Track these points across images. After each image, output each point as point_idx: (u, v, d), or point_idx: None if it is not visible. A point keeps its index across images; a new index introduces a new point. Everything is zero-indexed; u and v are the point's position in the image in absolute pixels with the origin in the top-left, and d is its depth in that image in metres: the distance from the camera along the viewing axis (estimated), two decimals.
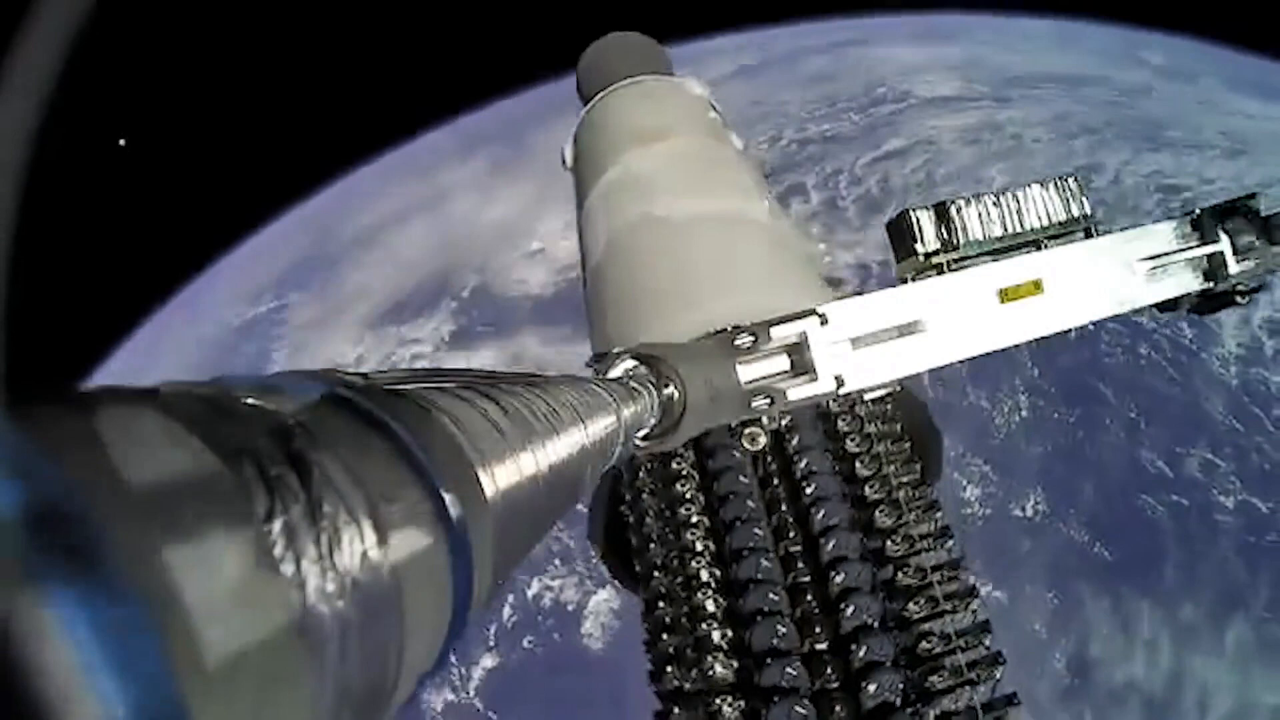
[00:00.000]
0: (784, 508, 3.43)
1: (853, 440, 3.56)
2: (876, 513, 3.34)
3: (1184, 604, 24.32)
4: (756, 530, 3.31)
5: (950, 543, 3.31)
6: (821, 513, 3.31)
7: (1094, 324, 3.87)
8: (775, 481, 3.49)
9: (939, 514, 3.42)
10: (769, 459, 3.56)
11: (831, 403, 3.65)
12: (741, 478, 3.44)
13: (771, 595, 3.12)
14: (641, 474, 3.68)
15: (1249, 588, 24.37)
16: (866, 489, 3.44)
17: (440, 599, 0.76)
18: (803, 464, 3.46)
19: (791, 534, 3.35)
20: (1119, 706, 23.91)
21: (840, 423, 3.62)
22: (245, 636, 0.46)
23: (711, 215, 4.52)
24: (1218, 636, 24.17)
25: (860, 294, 3.82)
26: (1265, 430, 25.71)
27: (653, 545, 3.50)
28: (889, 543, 3.24)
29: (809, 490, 3.38)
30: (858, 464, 3.50)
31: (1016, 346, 3.80)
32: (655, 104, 5.79)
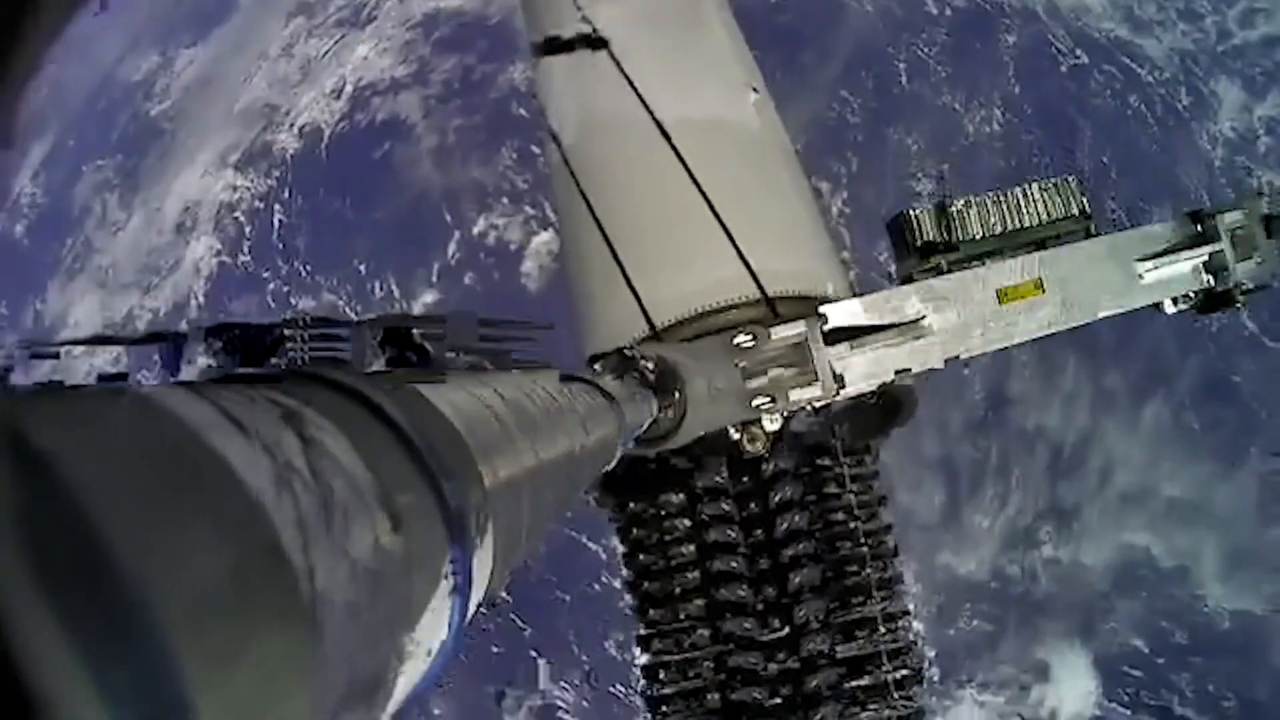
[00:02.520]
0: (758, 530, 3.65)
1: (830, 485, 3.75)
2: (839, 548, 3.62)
3: (1111, 370, 23.79)
4: (734, 562, 3.55)
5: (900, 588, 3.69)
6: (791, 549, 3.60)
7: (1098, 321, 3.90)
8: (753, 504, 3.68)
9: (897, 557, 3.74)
10: (749, 495, 3.68)
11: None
12: (724, 505, 3.64)
13: (740, 591, 3.47)
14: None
15: (1176, 372, 23.94)
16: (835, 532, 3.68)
17: (442, 592, 0.77)
18: (782, 503, 3.64)
19: (763, 556, 3.61)
20: (1026, 450, 23.49)
21: (821, 464, 3.74)
22: (252, 623, 0.47)
23: (696, 126, 4.07)
24: (1135, 411, 23.80)
25: (860, 294, 3.83)
26: None
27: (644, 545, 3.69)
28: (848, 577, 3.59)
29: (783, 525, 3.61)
30: (829, 511, 3.69)
31: (1016, 346, 3.81)
32: None
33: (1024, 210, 3.95)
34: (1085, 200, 3.99)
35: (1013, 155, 23.15)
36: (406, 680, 0.71)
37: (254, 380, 0.66)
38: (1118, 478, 23.60)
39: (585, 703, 21.38)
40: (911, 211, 3.98)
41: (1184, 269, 3.86)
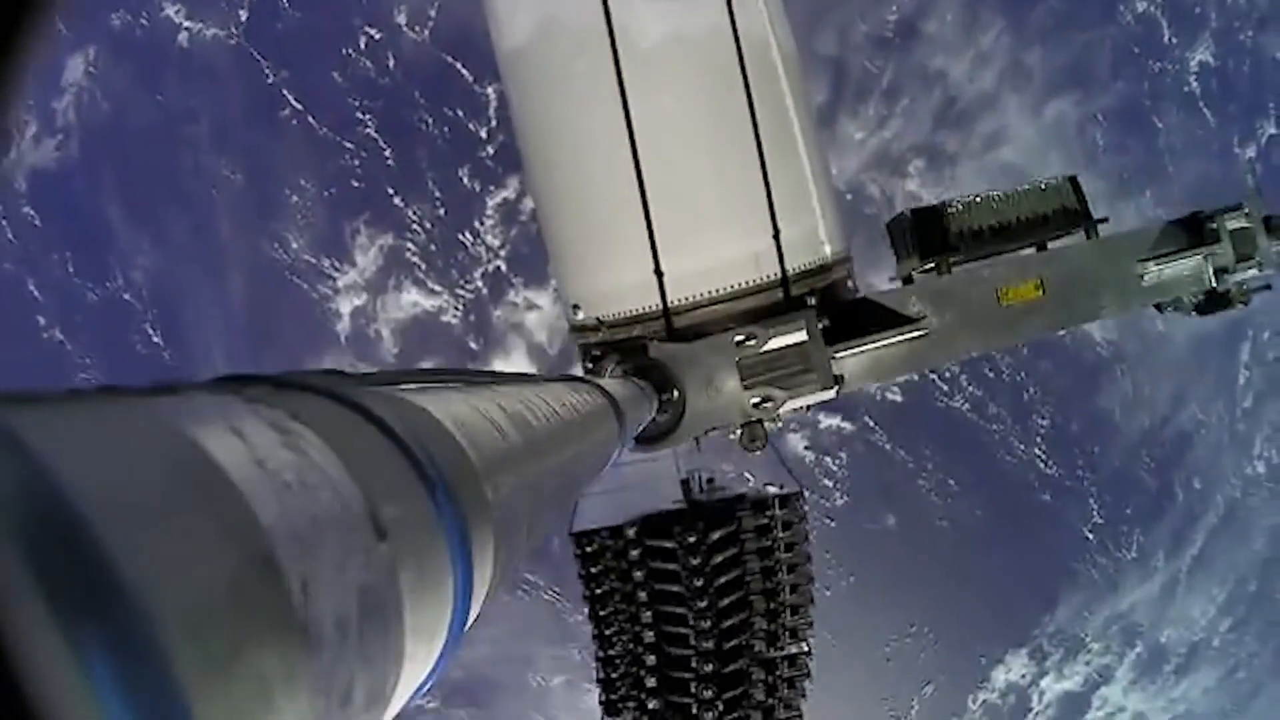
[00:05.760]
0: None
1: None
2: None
3: (1035, 47, 22.70)
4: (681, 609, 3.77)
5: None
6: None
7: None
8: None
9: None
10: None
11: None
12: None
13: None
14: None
15: (1102, 86, 22.89)
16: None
17: (441, 597, 0.76)
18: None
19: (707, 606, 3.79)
20: (922, 87, 22.58)
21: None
22: (246, 637, 0.46)
23: (688, 46, 3.35)
24: (1043, 99, 22.71)
25: (860, 295, 3.82)
26: None
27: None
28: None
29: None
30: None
31: (1017, 347, 3.80)
32: None
33: (1023, 210, 3.95)
34: (1085, 200, 3.99)
35: None
36: (405, 687, 0.71)
37: (245, 386, 0.66)
38: (1004, 150, 22.93)
39: (433, 246, 21.53)
40: (911, 212, 3.97)
41: (1185, 270, 3.86)
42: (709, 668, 3.72)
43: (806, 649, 3.86)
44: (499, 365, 21.98)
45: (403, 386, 0.93)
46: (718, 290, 3.45)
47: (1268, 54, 23.29)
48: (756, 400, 3.42)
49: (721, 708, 3.72)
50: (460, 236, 21.55)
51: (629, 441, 2.74)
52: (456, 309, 21.74)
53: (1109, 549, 23.40)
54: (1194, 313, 4.09)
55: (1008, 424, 22.44)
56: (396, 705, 0.69)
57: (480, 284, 21.79)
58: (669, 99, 3.37)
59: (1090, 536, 23.32)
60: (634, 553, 3.67)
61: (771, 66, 3.52)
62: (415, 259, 21.62)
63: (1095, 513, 23.27)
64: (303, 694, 0.51)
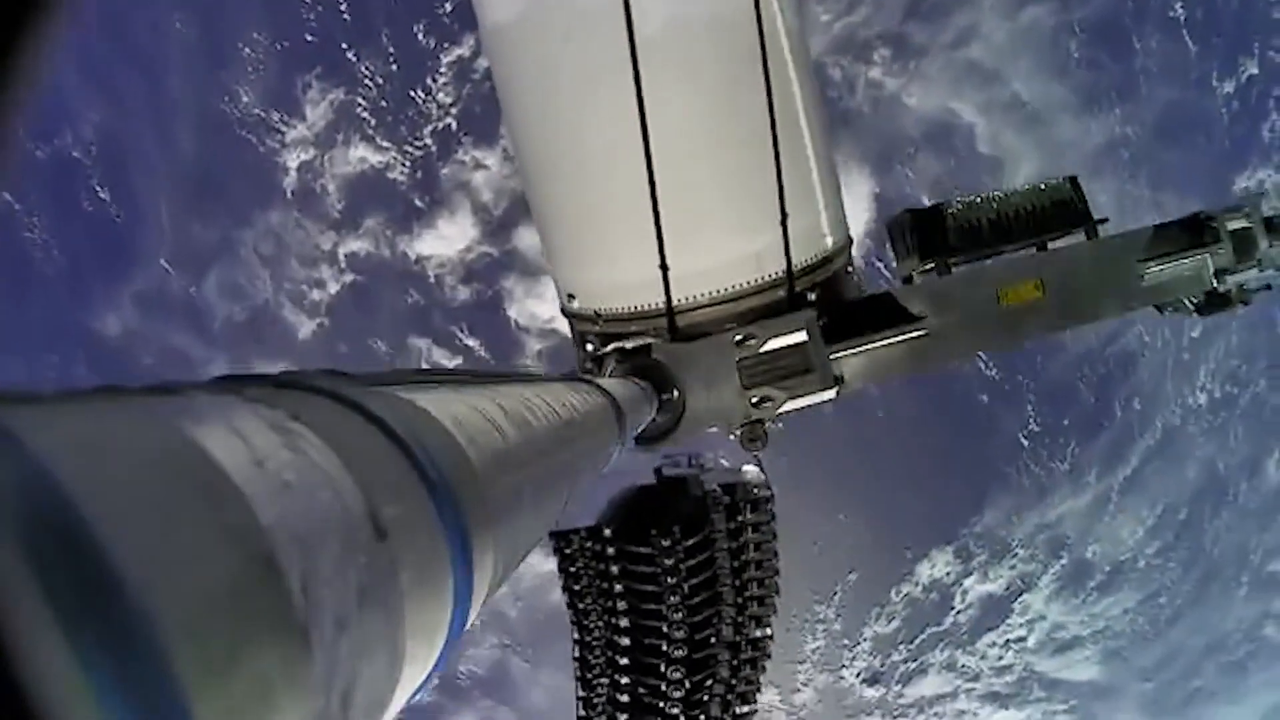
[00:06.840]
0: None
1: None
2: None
3: None
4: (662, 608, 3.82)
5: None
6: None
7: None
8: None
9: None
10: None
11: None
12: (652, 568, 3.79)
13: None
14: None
15: None
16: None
17: (441, 597, 0.76)
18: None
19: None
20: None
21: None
22: (246, 637, 0.46)
23: (691, 28, 3.14)
24: (1020, 2, 22.35)
25: (861, 294, 3.82)
26: None
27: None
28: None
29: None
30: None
31: (1017, 348, 3.81)
32: None
33: (1024, 210, 3.95)
34: (1085, 200, 3.99)
35: None
36: (405, 687, 0.71)
37: (245, 386, 0.66)
38: (974, 48, 22.61)
39: (384, 102, 21.33)
40: (911, 211, 3.97)
41: (1185, 270, 3.86)
42: (679, 652, 3.84)
43: (769, 633, 3.97)
44: (443, 223, 21.79)
45: (403, 386, 0.93)
46: (718, 290, 3.42)
47: None
48: (756, 400, 3.42)
49: (689, 686, 3.86)
50: (412, 93, 21.28)
51: (629, 441, 2.74)
52: (404, 165, 21.49)
53: (1042, 457, 23.28)
54: (1194, 313, 4.09)
55: None
56: (396, 705, 0.69)
57: (429, 141, 21.49)
58: (669, 86, 3.14)
59: (1025, 443, 23.20)
60: (610, 551, 3.72)
61: (779, 50, 3.31)
62: (365, 115, 21.40)
63: (1032, 420, 23.09)
64: (303, 694, 0.51)
